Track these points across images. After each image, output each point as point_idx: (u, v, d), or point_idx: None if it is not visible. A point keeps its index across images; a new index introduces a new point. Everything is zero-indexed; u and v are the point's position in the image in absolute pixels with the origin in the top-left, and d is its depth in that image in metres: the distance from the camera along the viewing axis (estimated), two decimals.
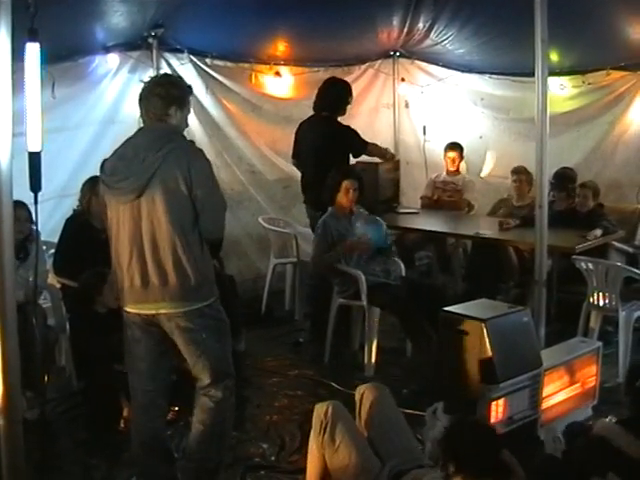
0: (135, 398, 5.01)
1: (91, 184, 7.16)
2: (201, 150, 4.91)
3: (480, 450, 3.74)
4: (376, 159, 8.91)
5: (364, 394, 4.82)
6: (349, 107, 8.44)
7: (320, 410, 4.69)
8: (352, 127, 8.33)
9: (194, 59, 9.11)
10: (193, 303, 4.68)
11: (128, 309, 4.82)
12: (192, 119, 8.96)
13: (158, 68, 8.69)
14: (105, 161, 4.90)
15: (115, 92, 8.54)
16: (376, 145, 8.67)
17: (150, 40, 8.51)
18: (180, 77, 5.67)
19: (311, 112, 8.46)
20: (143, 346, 4.84)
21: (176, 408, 6.23)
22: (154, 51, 8.62)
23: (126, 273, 4.72)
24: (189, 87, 5.00)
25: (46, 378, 5.98)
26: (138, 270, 4.67)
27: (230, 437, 5.35)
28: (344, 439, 4.54)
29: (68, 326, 6.78)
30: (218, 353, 4.84)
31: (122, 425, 6.00)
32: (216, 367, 4.81)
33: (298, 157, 8.57)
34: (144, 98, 4.90)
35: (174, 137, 4.76)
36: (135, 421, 5.07)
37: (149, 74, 8.58)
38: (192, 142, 4.97)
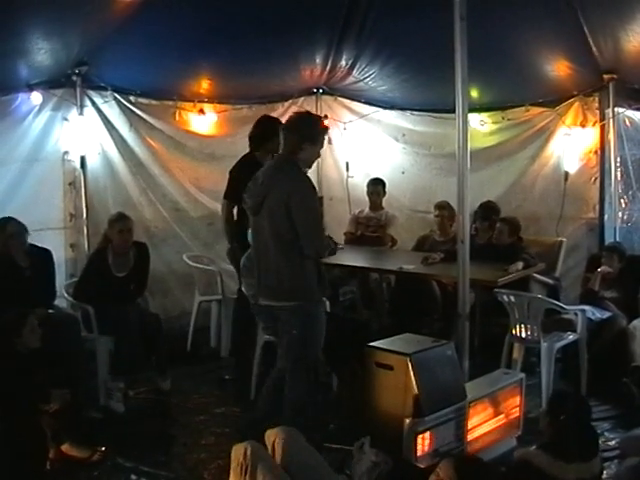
0: None
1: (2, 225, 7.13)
2: (304, 181, 5.72)
3: None
4: None
5: (275, 441, 4.68)
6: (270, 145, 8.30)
7: (238, 452, 4.58)
8: None
9: (118, 97, 9.11)
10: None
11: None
12: (115, 156, 9.01)
13: (82, 106, 8.70)
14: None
15: (38, 130, 8.50)
16: None
17: (74, 78, 8.51)
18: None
19: (234, 149, 8.43)
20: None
21: (103, 448, 6.18)
22: (78, 89, 8.62)
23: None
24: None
25: None
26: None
27: None
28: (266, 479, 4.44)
29: None
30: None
31: (49, 466, 5.90)
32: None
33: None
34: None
35: (286, 167, 5.77)
36: None
37: (73, 112, 8.58)
38: (300, 173, 5.76)
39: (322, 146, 5.90)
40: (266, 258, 5.85)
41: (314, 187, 5.84)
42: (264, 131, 7.97)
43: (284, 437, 4.70)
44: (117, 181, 9.28)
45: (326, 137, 5.97)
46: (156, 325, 7.73)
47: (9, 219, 7.21)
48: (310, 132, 5.81)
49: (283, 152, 5.86)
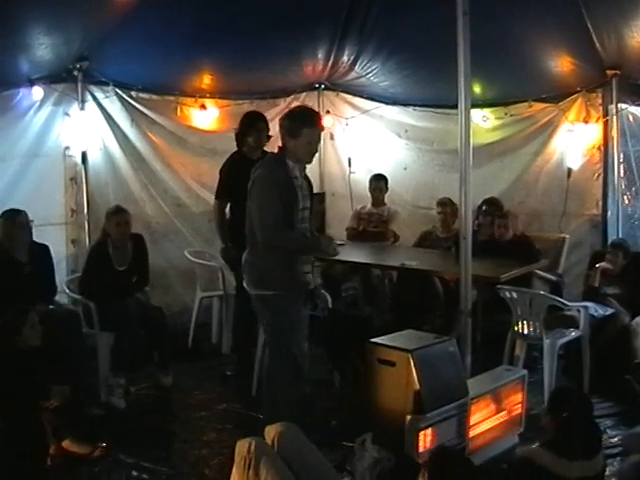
0: None
1: (4, 217, 7.14)
2: (270, 171, 5.87)
3: None
4: None
5: (275, 437, 4.66)
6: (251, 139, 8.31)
7: (242, 447, 4.58)
8: None
9: (119, 92, 9.12)
10: None
11: None
12: (117, 152, 8.99)
13: (83, 101, 8.69)
14: None
15: (39, 125, 8.50)
16: None
17: (75, 73, 8.51)
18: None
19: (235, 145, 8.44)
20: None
21: (104, 444, 6.17)
22: (79, 84, 8.62)
23: None
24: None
25: None
26: None
27: None
28: (269, 474, 4.43)
29: None
30: None
31: (49, 462, 5.90)
32: None
33: None
34: None
35: (267, 161, 6.06)
36: None
37: (74, 107, 8.56)
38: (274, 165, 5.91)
39: (309, 140, 5.85)
40: (247, 248, 6.09)
41: (281, 177, 5.82)
42: (240, 127, 8.06)
43: (284, 433, 4.69)
44: (118, 176, 9.27)
45: (315, 131, 5.89)
46: (160, 319, 7.73)
47: (20, 211, 7.24)
48: (290, 126, 5.86)
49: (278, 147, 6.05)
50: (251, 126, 8.10)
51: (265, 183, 5.82)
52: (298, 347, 5.88)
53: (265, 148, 7.84)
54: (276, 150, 6.02)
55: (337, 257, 8.28)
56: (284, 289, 5.85)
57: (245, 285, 6.08)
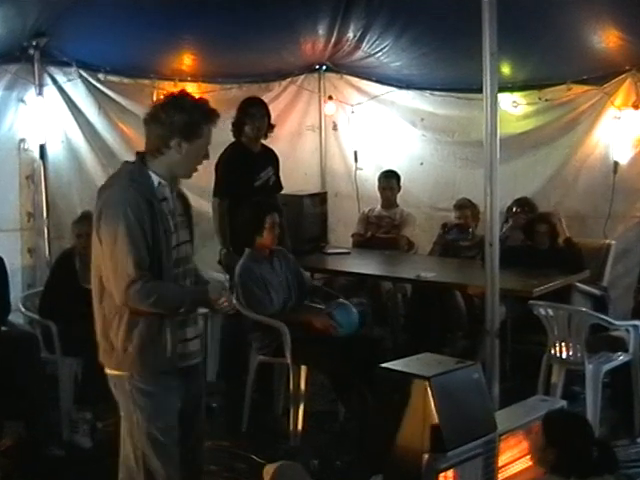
0: None
1: None
2: (131, 198, 4.60)
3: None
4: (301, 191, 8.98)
5: (273, 476, 4.73)
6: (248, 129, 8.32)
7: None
8: None
9: (84, 74, 9.10)
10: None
11: None
12: (82, 145, 8.98)
13: (41, 85, 8.67)
14: None
15: None
16: None
17: (31, 51, 8.46)
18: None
19: (223, 137, 8.47)
20: None
21: None
22: (36, 64, 8.58)
23: None
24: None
25: None
26: None
27: None
28: None
29: None
30: None
31: None
32: None
33: None
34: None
35: (120, 174, 4.88)
36: None
37: (30, 92, 8.55)
38: (137, 186, 4.68)
39: (206, 143, 4.86)
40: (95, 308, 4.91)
41: (141, 201, 4.60)
42: (236, 114, 8.12)
43: (283, 471, 4.79)
44: (84, 174, 9.25)
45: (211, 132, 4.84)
46: None
47: None
48: (181, 121, 4.73)
49: (137, 154, 4.95)
50: (246, 114, 8.17)
51: (117, 211, 4.58)
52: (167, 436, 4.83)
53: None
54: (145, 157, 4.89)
55: (342, 268, 8.34)
56: (147, 368, 4.76)
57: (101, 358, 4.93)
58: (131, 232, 4.49)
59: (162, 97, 5.18)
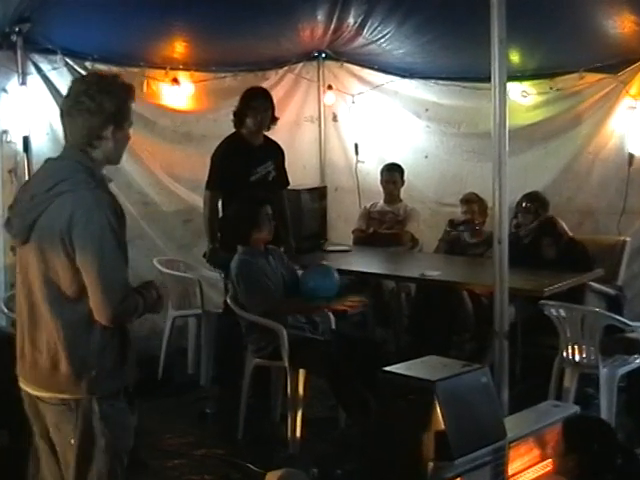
0: None
1: None
2: (105, 200, 4.29)
3: None
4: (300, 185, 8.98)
5: None
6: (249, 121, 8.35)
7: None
8: None
9: (70, 62, 9.07)
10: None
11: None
12: None
13: (24, 73, 8.63)
14: None
15: None
16: None
17: (13, 38, 8.40)
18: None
19: (216, 128, 8.48)
20: None
21: None
22: (19, 52, 8.53)
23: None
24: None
25: None
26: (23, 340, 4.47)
27: None
28: None
29: None
30: None
31: None
32: None
33: None
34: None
35: (73, 175, 4.29)
36: None
37: (13, 81, 8.53)
38: (99, 185, 4.35)
39: (129, 126, 4.70)
40: (32, 318, 4.45)
41: (111, 201, 4.35)
42: (239, 105, 8.12)
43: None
44: None
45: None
46: None
47: None
48: (113, 105, 4.52)
49: (65, 146, 4.50)
50: (247, 105, 8.17)
51: (99, 217, 4.22)
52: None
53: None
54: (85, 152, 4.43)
55: (342, 266, 8.33)
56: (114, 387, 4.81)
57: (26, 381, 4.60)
58: (118, 239, 4.32)
59: (76, 81, 4.62)
